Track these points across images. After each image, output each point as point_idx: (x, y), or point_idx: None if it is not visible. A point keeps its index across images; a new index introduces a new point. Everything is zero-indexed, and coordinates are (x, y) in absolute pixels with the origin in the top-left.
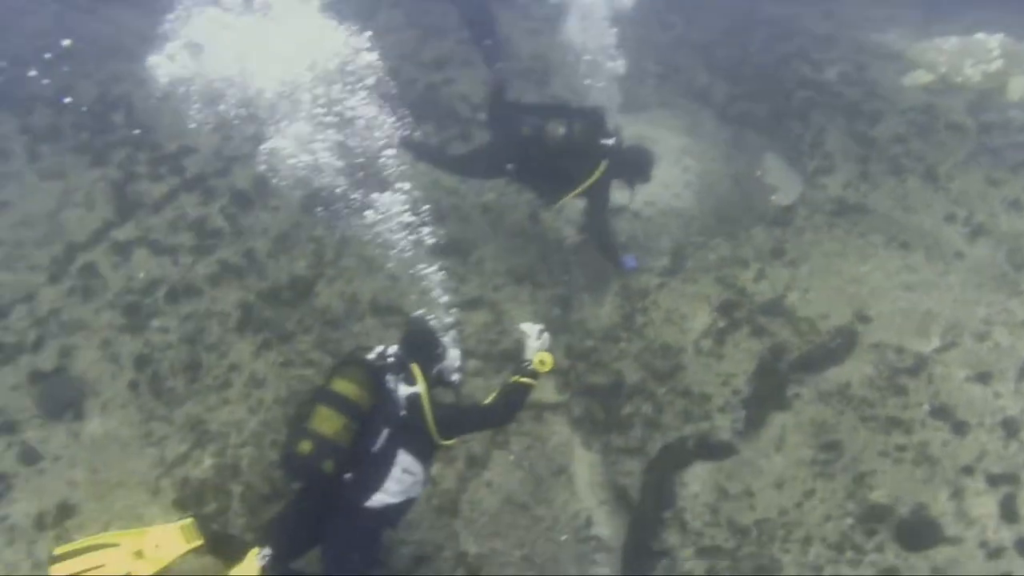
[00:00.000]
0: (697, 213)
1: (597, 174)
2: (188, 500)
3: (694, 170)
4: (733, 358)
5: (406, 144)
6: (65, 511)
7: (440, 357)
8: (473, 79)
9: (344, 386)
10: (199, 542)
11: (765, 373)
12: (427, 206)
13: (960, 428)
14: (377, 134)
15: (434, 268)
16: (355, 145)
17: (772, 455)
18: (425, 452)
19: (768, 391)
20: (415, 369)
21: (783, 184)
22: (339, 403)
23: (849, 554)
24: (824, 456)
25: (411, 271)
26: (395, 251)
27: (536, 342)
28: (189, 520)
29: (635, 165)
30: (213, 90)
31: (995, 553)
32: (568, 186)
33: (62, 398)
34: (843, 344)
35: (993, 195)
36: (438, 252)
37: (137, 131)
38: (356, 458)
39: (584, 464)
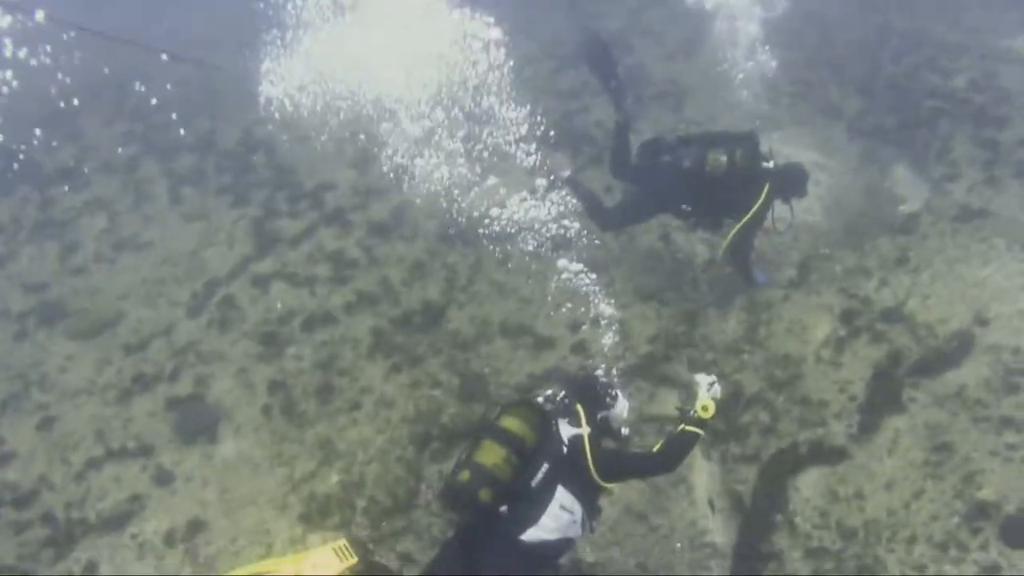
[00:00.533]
0: (826, 227)
1: (763, 198)
2: (313, 515)
3: (825, 184)
4: (851, 366)
5: (570, 184)
6: (195, 527)
7: (608, 406)
8: (605, 106)
9: (510, 422)
10: (353, 561)
11: (882, 379)
12: (560, 231)
13: None
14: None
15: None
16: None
17: (884, 458)
18: (584, 493)
19: (884, 396)
20: (580, 411)
21: (912, 193)
22: (502, 437)
23: (953, 552)
24: (935, 457)
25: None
26: (528, 276)
27: (706, 393)
28: (342, 542)
29: (794, 183)
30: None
31: None
32: (738, 214)
33: (197, 423)
34: (960, 348)
35: None
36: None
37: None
38: (514, 491)
39: (703, 474)
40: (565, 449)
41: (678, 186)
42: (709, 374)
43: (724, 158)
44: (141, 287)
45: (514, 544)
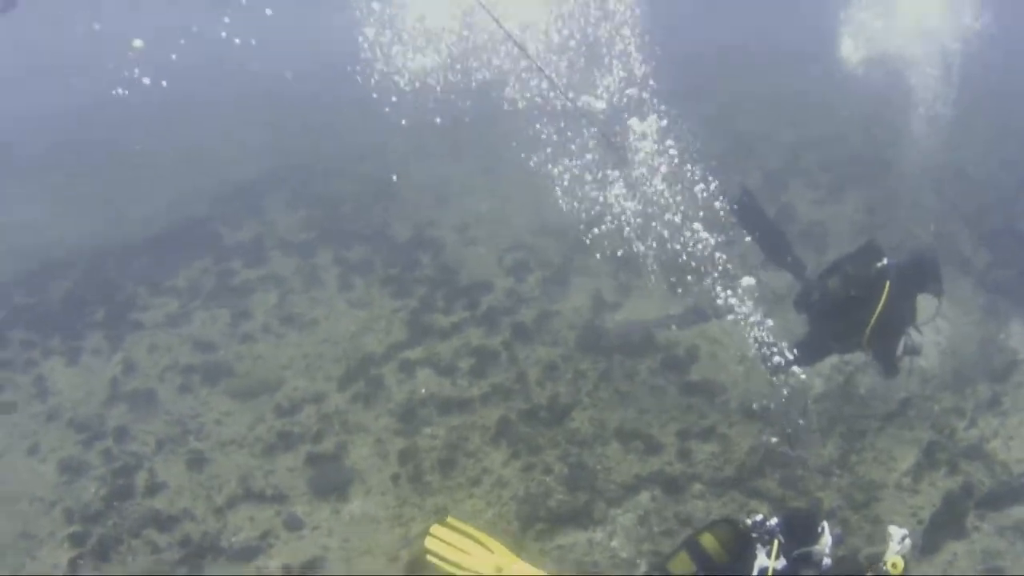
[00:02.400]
0: (938, 371)
1: (883, 296)
2: (420, 567)
3: (945, 332)
4: (926, 493)
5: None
6: (314, 567)
7: (813, 541)
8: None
9: (709, 540)
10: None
11: (951, 507)
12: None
13: None
14: None
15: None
16: None
17: None
18: None
19: (950, 522)
20: (775, 545)
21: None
22: (697, 554)
23: None
24: None
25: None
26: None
27: (897, 546)
28: (544, 573)
29: (920, 273)
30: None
31: None
32: (865, 321)
33: (331, 481)
34: None
35: None
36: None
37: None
38: None
39: None
40: None
41: (828, 328)
42: (901, 527)
43: (837, 279)
44: (301, 360)
45: None
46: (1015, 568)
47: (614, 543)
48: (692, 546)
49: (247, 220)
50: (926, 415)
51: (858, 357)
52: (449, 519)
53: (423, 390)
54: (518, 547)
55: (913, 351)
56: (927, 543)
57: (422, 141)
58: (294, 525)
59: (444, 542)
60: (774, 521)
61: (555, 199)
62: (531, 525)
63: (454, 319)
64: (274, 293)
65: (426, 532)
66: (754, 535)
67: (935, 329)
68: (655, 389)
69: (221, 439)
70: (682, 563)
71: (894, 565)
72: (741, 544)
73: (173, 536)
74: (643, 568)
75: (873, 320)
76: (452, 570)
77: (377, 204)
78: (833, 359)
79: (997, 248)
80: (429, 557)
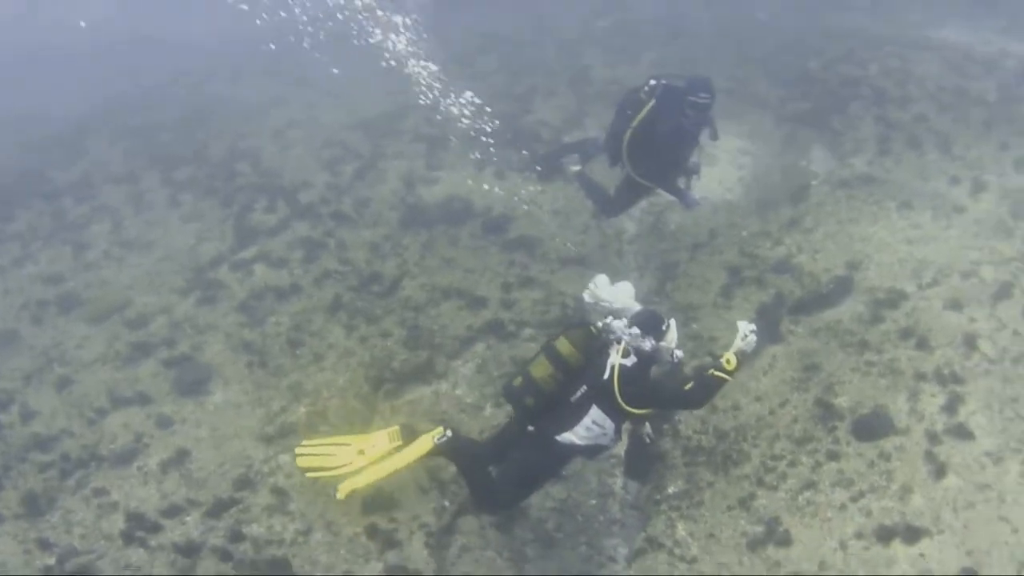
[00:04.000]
0: (743, 203)
1: (645, 109)
2: (282, 439)
3: (748, 167)
4: (740, 308)
5: (579, 179)
6: (188, 457)
7: (659, 337)
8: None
9: (563, 344)
10: (400, 443)
11: (766, 316)
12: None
13: (927, 345)
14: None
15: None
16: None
17: (760, 378)
18: (617, 414)
19: (766, 330)
20: (624, 343)
21: (825, 170)
22: (554, 357)
23: (809, 445)
24: (803, 375)
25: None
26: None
27: (742, 341)
28: (395, 428)
29: (692, 92)
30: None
31: (934, 438)
32: (622, 132)
33: (191, 379)
34: (840, 291)
35: (1004, 158)
36: (510, 247)
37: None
38: (555, 402)
39: None
40: (606, 375)
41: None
42: (751, 322)
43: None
44: (144, 278)
45: (548, 441)
46: (829, 364)
47: (458, 391)
48: (549, 350)
49: (74, 161)
50: (733, 241)
51: (666, 199)
52: (304, 442)
53: (263, 284)
54: (370, 409)
55: (693, 171)
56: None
57: (236, 65)
58: (164, 424)
59: (311, 455)
60: (623, 322)
61: (363, 97)
62: (380, 386)
63: (280, 216)
64: (108, 222)
65: (285, 409)
66: (601, 335)
67: (738, 167)
68: (477, 251)
69: (83, 361)
70: (541, 366)
71: (728, 361)
72: (594, 345)
73: (55, 454)
74: (488, 410)
75: (635, 124)
76: (329, 473)
77: (196, 127)
78: (643, 204)
79: (795, 85)
80: (306, 472)
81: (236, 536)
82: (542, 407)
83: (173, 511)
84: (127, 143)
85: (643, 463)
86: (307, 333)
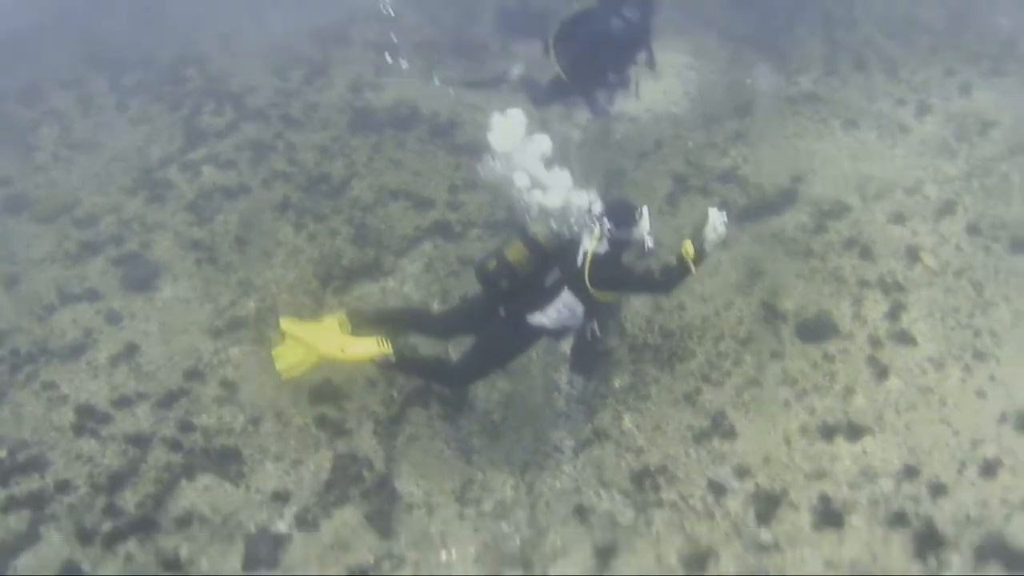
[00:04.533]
0: (689, 116)
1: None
2: (231, 332)
3: (693, 82)
4: (685, 214)
5: (525, 84)
6: (138, 351)
7: (631, 223)
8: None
9: (540, 230)
10: (387, 351)
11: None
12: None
13: (870, 255)
14: None
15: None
16: None
17: (706, 280)
18: (587, 297)
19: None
20: (597, 229)
21: (770, 88)
22: (528, 241)
23: (752, 346)
24: (748, 280)
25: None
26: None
27: (712, 232)
28: (382, 336)
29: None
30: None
31: (876, 343)
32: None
33: (140, 276)
34: (784, 200)
35: (949, 83)
36: (457, 151)
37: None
38: (528, 285)
39: None
40: (579, 260)
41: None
42: (722, 210)
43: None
44: (93, 179)
45: (518, 320)
46: (773, 270)
47: (405, 288)
48: (523, 233)
49: (22, 66)
50: (679, 151)
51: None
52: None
53: (212, 183)
54: (319, 304)
55: (621, 84)
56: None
57: None
58: (113, 319)
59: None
60: (597, 209)
61: (313, 4)
62: (328, 283)
63: (228, 119)
64: (57, 126)
65: (234, 303)
66: (579, 220)
67: (683, 81)
68: (425, 154)
69: (32, 259)
70: (516, 250)
71: (686, 251)
72: (568, 231)
73: (4, 349)
74: (435, 307)
75: (565, 18)
76: (307, 345)
77: (143, 33)
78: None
79: (740, 5)
80: (287, 332)
81: (186, 426)
82: (516, 290)
83: (123, 402)
84: (75, 49)
85: (589, 359)
86: (256, 231)
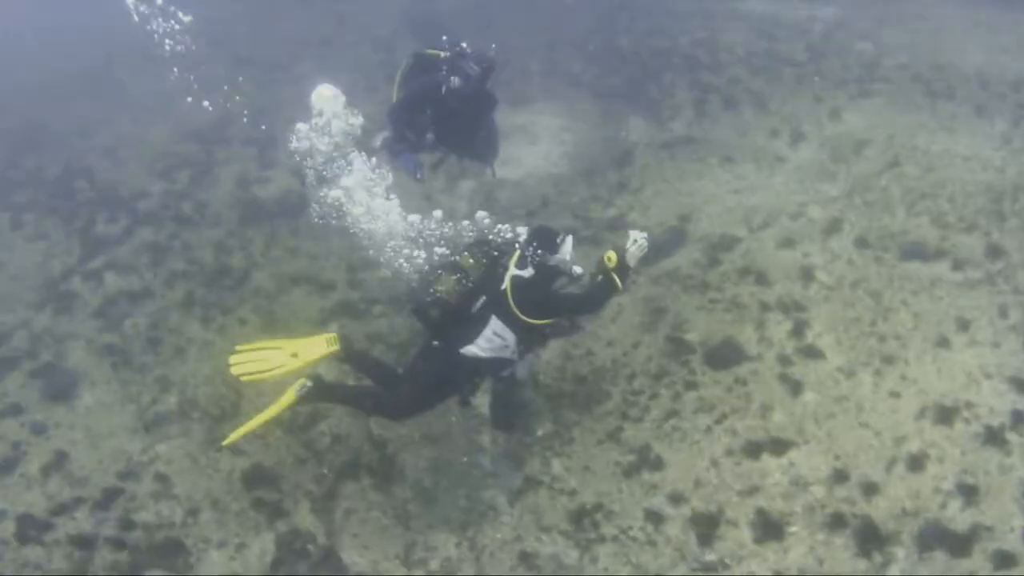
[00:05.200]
0: (569, 174)
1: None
2: (157, 428)
3: (570, 142)
4: (582, 262)
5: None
6: (68, 459)
7: (555, 249)
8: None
9: (464, 259)
10: (335, 348)
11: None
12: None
13: (766, 280)
14: None
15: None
16: None
17: (609, 325)
18: (516, 324)
19: (607, 284)
20: (515, 255)
21: (644, 138)
22: (455, 270)
23: (665, 379)
24: (651, 319)
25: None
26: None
27: (633, 245)
28: (333, 335)
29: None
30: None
31: (786, 361)
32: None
33: (59, 386)
34: (674, 241)
35: (819, 109)
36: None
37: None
38: (458, 315)
39: None
40: (503, 285)
41: None
42: (643, 231)
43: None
44: None
45: (453, 355)
46: (674, 306)
47: (320, 370)
48: (450, 265)
49: None
50: (565, 206)
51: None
52: (236, 348)
53: (116, 290)
54: (238, 393)
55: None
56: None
57: (60, 86)
58: (39, 430)
59: (243, 362)
60: (520, 237)
61: (189, 109)
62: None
63: (122, 225)
64: None
65: (156, 400)
66: (498, 248)
67: (560, 142)
68: (318, 238)
69: None
70: (444, 281)
71: (609, 258)
72: (492, 260)
73: None
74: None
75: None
76: (266, 376)
77: (27, 152)
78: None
79: (607, 62)
80: (241, 376)
81: (127, 524)
82: (447, 320)
83: (62, 509)
84: None
85: (508, 414)
86: (165, 330)
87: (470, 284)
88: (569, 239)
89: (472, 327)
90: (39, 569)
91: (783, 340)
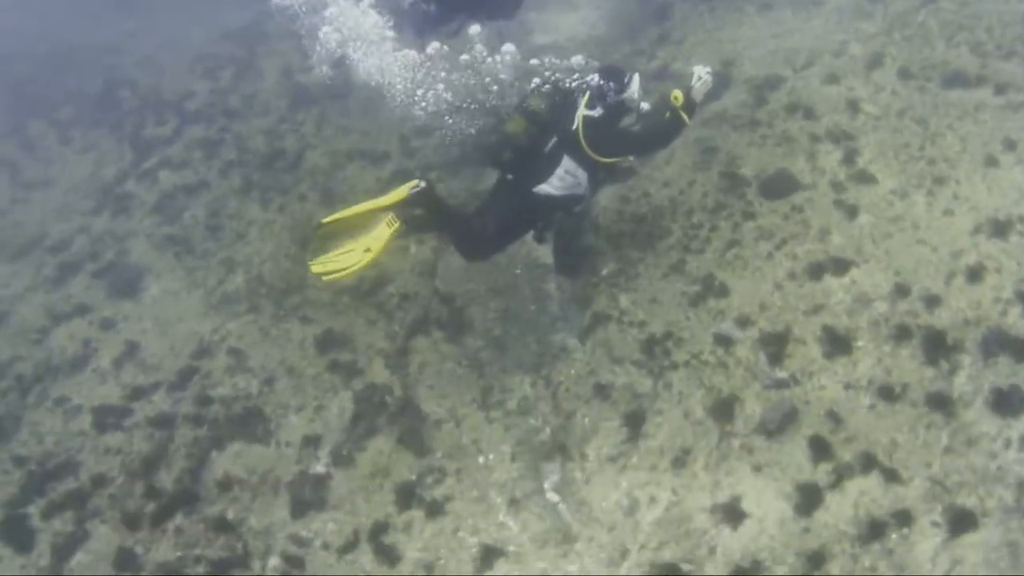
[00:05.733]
0: (609, 35)
1: None
2: (227, 307)
3: (607, 7)
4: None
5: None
6: (139, 349)
7: (624, 88)
8: None
9: (534, 100)
10: (397, 225)
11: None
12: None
13: (813, 115)
14: None
15: None
16: None
17: (663, 167)
18: (587, 162)
19: None
20: (586, 95)
21: None
22: (526, 112)
23: (723, 212)
24: (704, 158)
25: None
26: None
27: (697, 82)
28: (391, 215)
29: None
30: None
31: (839, 187)
32: None
33: (124, 281)
34: (720, 84)
35: None
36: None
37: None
38: (529, 154)
39: None
40: (574, 125)
41: None
42: (706, 66)
43: None
44: (54, 212)
45: (526, 192)
46: (725, 144)
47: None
48: (521, 107)
49: None
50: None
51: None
52: (313, 260)
53: (171, 185)
54: (302, 266)
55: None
56: None
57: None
58: (108, 326)
59: (323, 263)
60: (590, 77)
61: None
62: (307, 245)
63: (171, 126)
64: (6, 172)
65: (222, 281)
66: (568, 88)
67: (596, 7)
68: (368, 113)
69: (13, 294)
70: (515, 122)
71: (675, 96)
72: (562, 101)
73: (9, 379)
74: (413, 248)
75: None
76: (344, 274)
77: (65, 70)
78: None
79: None
80: (322, 276)
81: (204, 400)
82: (518, 160)
83: (138, 394)
84: (2, 98)
85: (571, 258)
86: (224, 217)
87: (541, 125)
88: (636, 77)
89: (545, 167)
90: (120, 453)
91: (835, 168)
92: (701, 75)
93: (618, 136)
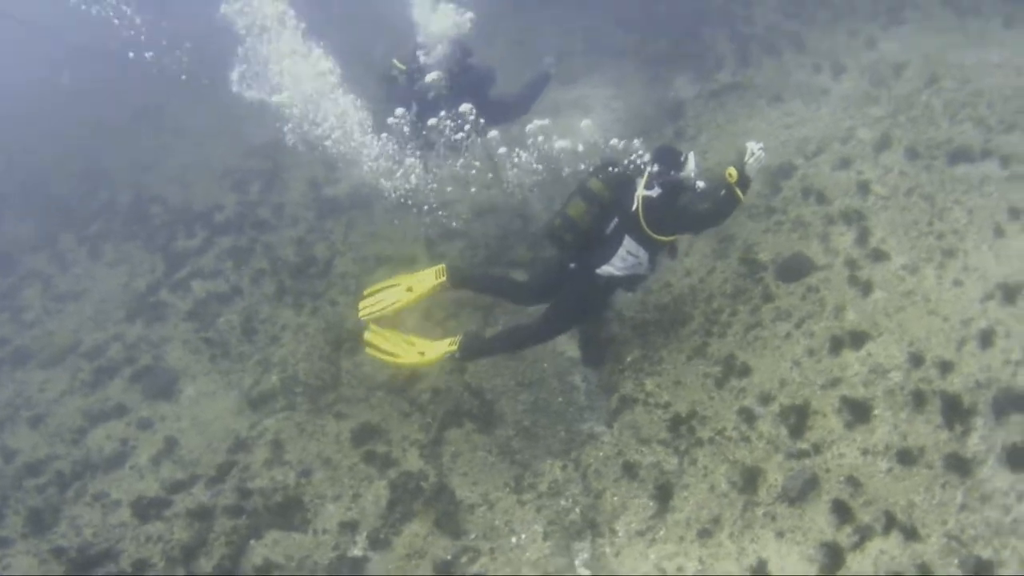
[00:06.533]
0: (625, 137)
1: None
2: (264, 405)
3: (621, 108)
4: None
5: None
6: (176, 446)
7: (680, 167)
8: None
9: (595, 183)
10: (443, 279)
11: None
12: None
13: (825, 199)
14: None
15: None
16: None
17: (683, 258)
18: (648, 242)
19: None
20: (645, 175)
21: (694, 91)
22: (586, 195)
23: (741, 298)
24: (722, 245)
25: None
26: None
27: (750, 158)
28: (441, 266)
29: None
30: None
31: (853, 265)
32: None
33: (160, 384)
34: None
35: (855, 42)
36: (423, 212)
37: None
38: (591, 237)
39: None
40: (634, 206)
41: None
42: (759, 143)
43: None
44: (89, 321)
45: (590, 275)
46: (742, 232)
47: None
48: (581, 189)
49: None
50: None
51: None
52: (360, 303)
53: (203, 294)
54: (336, 367)
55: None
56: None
57: (111, 123)
58: (146, 425)
59: (367, 306)
60: (645, 157)
61: (251, 128)
62: (341, 346)
63: (202, 237)
64: (38, 285)
65: (258, 382)
66: (628, 170)
67: (611, 111)
68: (395, 219)
69: (50, 398)
70: (576, 205)
71: (730, 174)
72: (621, 182)
73: (48, 475)
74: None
75: None
76: (385, 310)
77: (96, 186)
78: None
79: (646, 27)
80: (366, 318)
81: (244, 493)
82: (580, 243)
83: (177, 487)
84: (35, 214)
85: (596, 350)
86: (258, 322)
87: (602, 207)
88: (692, 155)
89: (606, 248)
90: (160, 541)
91: (848, 248)
92: (754, 151)
93: (677, 215)
